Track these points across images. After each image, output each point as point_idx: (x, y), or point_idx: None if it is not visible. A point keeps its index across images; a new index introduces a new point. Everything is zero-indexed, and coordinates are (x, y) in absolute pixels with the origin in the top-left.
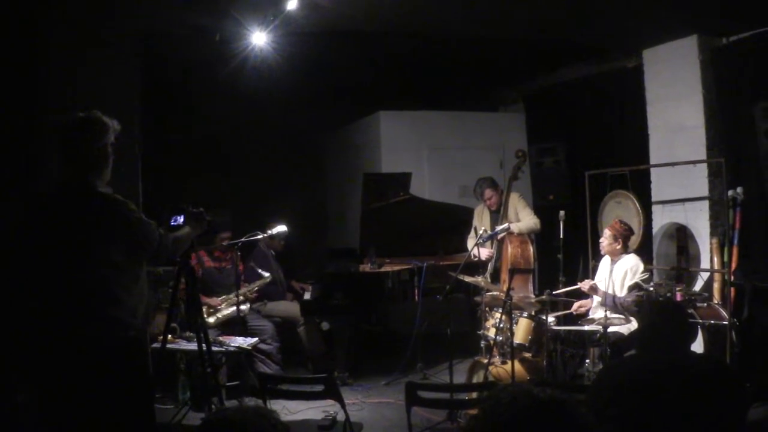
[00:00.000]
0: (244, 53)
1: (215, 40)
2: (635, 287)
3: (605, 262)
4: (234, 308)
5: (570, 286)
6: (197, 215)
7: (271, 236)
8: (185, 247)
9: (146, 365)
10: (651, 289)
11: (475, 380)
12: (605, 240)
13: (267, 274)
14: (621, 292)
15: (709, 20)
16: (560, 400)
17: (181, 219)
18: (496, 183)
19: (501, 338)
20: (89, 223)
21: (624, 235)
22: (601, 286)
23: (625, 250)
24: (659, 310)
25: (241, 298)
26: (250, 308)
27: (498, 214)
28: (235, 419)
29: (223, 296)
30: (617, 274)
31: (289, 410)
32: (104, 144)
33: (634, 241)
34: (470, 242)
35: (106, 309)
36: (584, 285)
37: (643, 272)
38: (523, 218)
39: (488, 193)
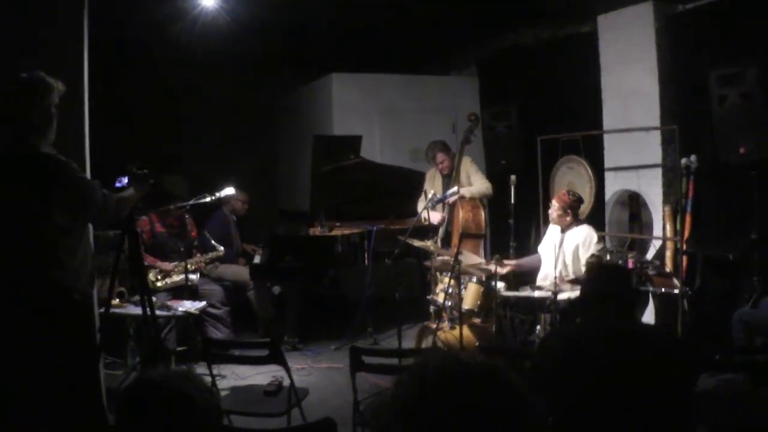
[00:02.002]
0: (194, 13)
1: None
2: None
3: (554, 230)
4: (185, 276)
5: (520, 251)
6: (141, 177)
7: (220, 198)
8: (129, 208)
9: (91, 329)
10: (608, 258)
11: (423, 345)
12: (554, 211)
13: (221, 248)
14: (571, 263)
15: None
16: (490, 367)
17: (125, 180)
18: (448, 147)
19: (450, 303)
20: (33, 185)
21: (572, 206)
22: (550, 255)
23: (575, 219)
24: (603, 275)
25: (193, 267)
26: (202, 276)
27: (450, 178)
28: (160, 382)
29: (176, 262)
30: (568, 245)
31: (237, 375)
32: (48, 105)
33: (586, 207)
34: (421, 206)
35: (49, 272)
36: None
37: (597, 242)
38: (475, 183)
39: (440, 156)
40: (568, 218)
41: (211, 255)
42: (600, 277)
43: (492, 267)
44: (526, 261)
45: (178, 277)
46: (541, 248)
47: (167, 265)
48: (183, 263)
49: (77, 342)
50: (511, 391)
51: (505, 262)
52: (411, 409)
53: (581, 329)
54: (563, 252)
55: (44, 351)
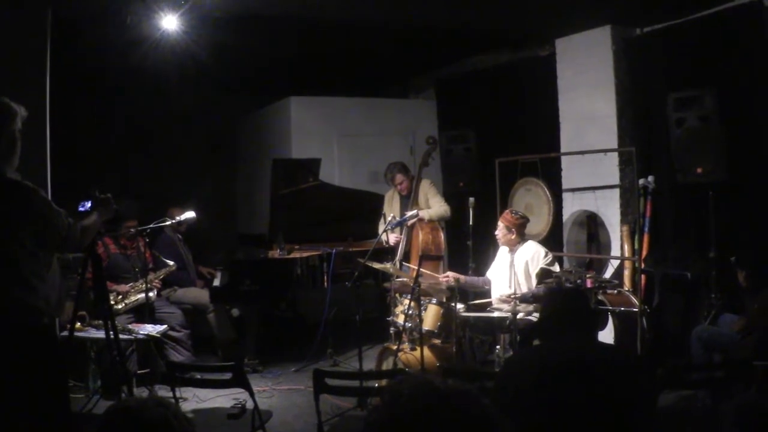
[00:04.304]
0: (155, 37)
1: (126, 23)
2: (542, 273)
3: (503, 252)
4: (141, 295)
5: (478, 273)
6: (104, 201)
7: (179, 222)
8: (93, 234)
9: (59, 352)
10: (558, 271)
11: (384, 367)
12: (499, 232)
13: (172, 263)
14: (524, 281)
15: (624, 11)
16: (462, 391)
17: (88, 204)
18: (407, 168)
19: (410, 325)
20: (1, 211)
21: (517, 224)
22: (503, 276)
23: (522, 238)
24: (559, 299)
25: (148, 285)
26: (159, 295)
27: (408, 199)
28: (136, 409)
29: (131, 283)
30: (518, 264)
31: (199, 398)
32: (12, 130)
33: (544, 228)
34: (381, 228)
35: (20, 296)
36: (449, 279)
37: (545, 256)
38: (433, 205)
39: (399, 177)
40: (513, 237)
41: (163, 271)
42: (559, 299)
43: (443, 278)
44: (471, 279)
45: (134, 297)
46: (490, 272)
47: (123, 287)
48: (138, 283)
49: (48, 365)
50: (483, 415)
51: (451, 273)
52: None
53: (542, 351)
54: (515, 272)
55: (15, 375)
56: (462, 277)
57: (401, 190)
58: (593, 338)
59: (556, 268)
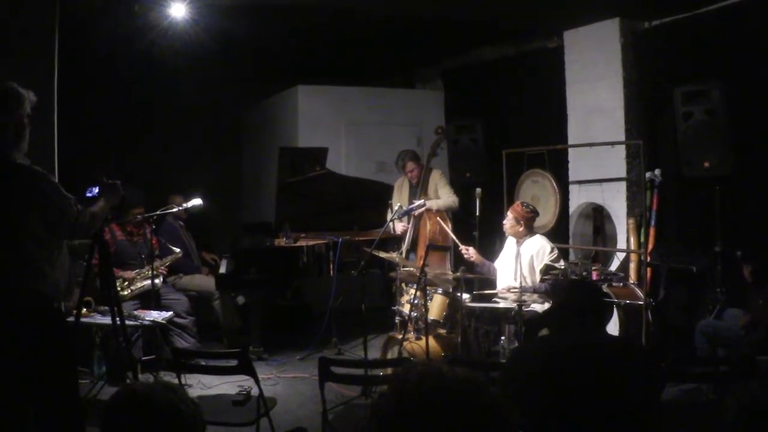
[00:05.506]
0: (163, 25)
1: (134, 11)
2: (546, 269)
3: (511, 243)
4: (147, 281)
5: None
6: (112, 187)
7: (186, 209)
8: (101, 221)
9: (69, 337)
10: (562, 267)
11: (389, 356)
12: (507, 222)
13: (178, 250)
14: (528, 275)
15: (632, 4)
16: (470, 380)
17: (96, 190)
18: (418, 156)
19: (415, 314)
20: (10, 196)
21: (526, 217)
22: (509, 267)
23: (530, 231)
24: (573, 290)
25: (155, 272)
26: (164, 282)
27: (418, 188)
28: (143, 393)
29: (137, 269)
30: (524, 256)
31: (204, 385)
32: (20, 115)
33: (551, 220)
34: (389, 217)
35: (30, 282)
36: (470, 254)
37: (551, 252)
38: (442, 196)
39: (410, 165)
40: (521, 229)
41: (169, 258)
42: (571, 291)
43: (464, 249)
44: (488, 265)
45: (140, 283)
46: (498, 262)
47: (129, 273)
48: (144, 270)
49: (58, 350)
50: (490, 403)
51: (473, 251)
52: (390, 422)
53: (550, 342)
54: (520, 264)
55: (27, 360)
56: (482, 261)
57: (411, 178)
58: (602, 330)
59: (562, 264)
